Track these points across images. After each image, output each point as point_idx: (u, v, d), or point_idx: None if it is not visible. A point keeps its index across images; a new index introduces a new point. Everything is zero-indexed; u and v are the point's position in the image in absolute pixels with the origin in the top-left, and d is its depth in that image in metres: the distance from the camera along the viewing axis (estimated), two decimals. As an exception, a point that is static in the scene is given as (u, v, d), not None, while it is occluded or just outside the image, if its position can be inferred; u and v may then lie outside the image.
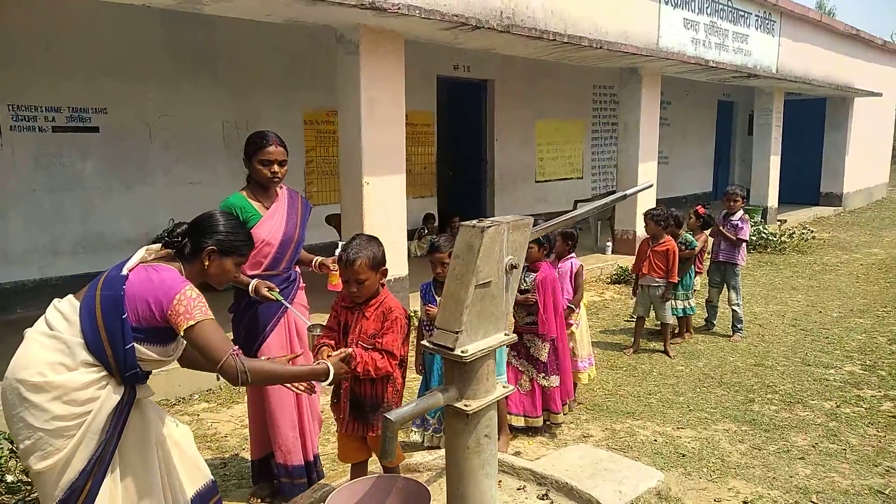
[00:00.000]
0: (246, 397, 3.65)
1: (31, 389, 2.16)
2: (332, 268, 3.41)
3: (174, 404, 4.82)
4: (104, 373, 2.24)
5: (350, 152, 6.16)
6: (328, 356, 2.68)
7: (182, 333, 2.25)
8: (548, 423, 4.36)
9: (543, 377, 4.25)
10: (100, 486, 2.24)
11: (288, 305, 3.27)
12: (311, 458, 3.43)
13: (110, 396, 2.23)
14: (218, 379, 5.06)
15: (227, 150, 7.94)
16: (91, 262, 6.84)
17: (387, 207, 6.30)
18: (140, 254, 2.37)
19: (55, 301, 2.33)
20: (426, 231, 9.84)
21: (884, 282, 8.89)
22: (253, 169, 3.27)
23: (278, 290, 3.22)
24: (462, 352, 2.40)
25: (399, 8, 5.44)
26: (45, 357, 2.19)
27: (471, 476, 2.53)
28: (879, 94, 16.65)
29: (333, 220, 7.23)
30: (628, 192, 3.35)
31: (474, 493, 2.54)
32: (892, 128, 20.69)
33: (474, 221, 2.50)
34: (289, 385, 2.69)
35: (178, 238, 2.41)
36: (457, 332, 2.42)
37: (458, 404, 2.47)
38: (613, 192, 10.92)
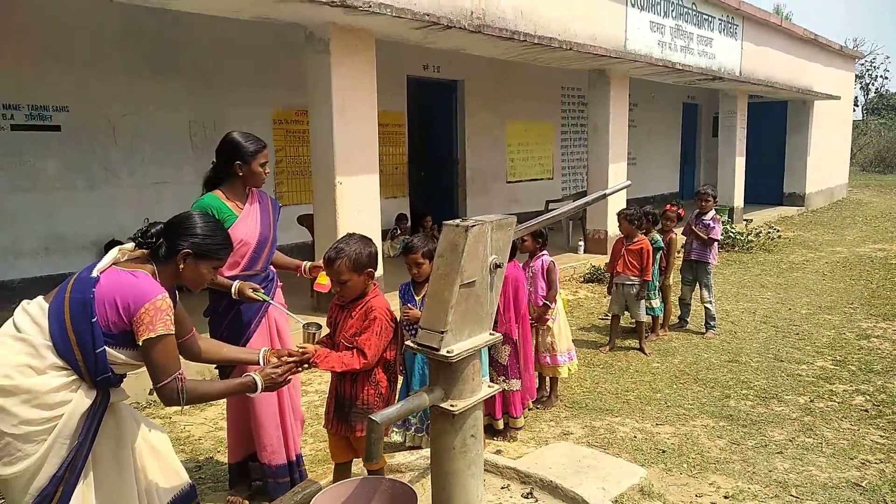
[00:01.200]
0: (224, 400, 3.55)
1: None
2: (323, 268, 3.36)
3: (145, 407, 4.67)
4: (74, 376, 2.15)
5: (322, 152, 6.07)
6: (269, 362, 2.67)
7: (140, 343, 2.17)
8: (507, 426, 4.25)
9: (503, 380, 4.15)
10: (72, 493, 2.15)
11: (274, 304, 3.23)
12: (294, 458, 3.37)
13: (82, 400, 2.14)
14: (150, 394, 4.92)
15: (195, 150, 7.78)
16: (54, 264, 6.66)
17: (360, 207, 6.22)
18: (112, 255, 2.27)
19: (24, 303, 2.23)
20: (399, 231, 9.77)
21: (849, 279, 9.09)
22: (250, 172, 3.19)
23: (262, 291, 3.16)
24: (448, 352, 2.36)
25: (370, 6, 5.37)
26: (13, 360, 2.09)
27: (457, 477, 2.48)
28: (838, 98, 17.09)
29: (305, 221, 7.11)
30: (608, 190, 3.34)
31: (460, 493, 2.49)
32: (849, 130, 21.27)
33: (458, 221, 2.46)
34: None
35: (153, 239, 2.31)
36: (442, 332, 2.37)
37: (444, 405, 2.42)
38: (584, 193, 11.02)
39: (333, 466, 3.04)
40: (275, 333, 3.30)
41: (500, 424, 4.19)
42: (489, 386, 2.60)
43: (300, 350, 2.73)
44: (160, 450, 2.41)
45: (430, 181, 11.40)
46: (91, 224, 6.97)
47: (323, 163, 6.08)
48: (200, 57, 7.70)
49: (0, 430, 2.05)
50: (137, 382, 4.57)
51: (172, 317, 2.21)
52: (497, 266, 2.53)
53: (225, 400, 4.66)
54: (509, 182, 12.29)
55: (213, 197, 3.17)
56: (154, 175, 7.43)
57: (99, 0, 5.00)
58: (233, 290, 3.10)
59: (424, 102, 11.00)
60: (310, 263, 3.50)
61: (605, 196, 3.31)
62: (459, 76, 10.90)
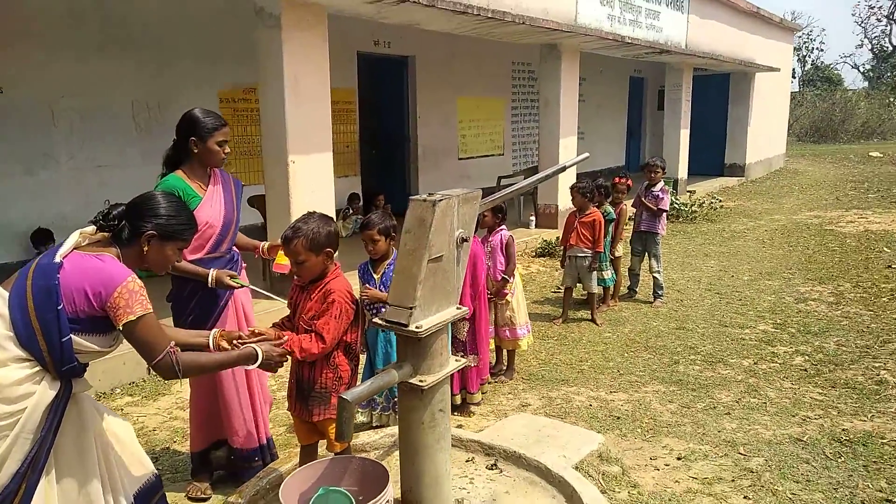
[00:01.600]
0: (188, 388, 3.52)
1: None
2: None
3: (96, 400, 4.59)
4: (38, 367, 2.08)
5: (274, 131, 5.97)
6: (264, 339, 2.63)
7: (121, 328, 2.13)
8: (465, 401, 4.34)
9: (462, 356, 4.19)
10: (35, 489, 2.09)
11: (257, 290, 3.23)
12: (265, 441, 3.37)
13: (46, 392, 2.08)
14: (149, 372, 4.86)
15: (138, 131, 7.56)
16: (-9, 252, 6.41)
17: (314, 187, 6.16)
18: (74, 238, 2.19)
19: None
20: (351, 211, 9.72)
21: (787, 246, 9.48)
22: (205, 149, 3.12)
23: (237, 277, 3.16)
24: (417, 327, 2.39)
25: (321, -20, 5.28)
26: None
27: (426, 451, 2.54)
28: (778, 69, 17.60)
29: (257, 202, 7.01)
30: (567, 162, 3.41)
31: (429, 468, 2.55)
32: (787, 101, 21.96)
33: (424, 195, 2.48)
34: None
35: (115, 221, 2.24)
36: (410, 308, 2.40)
37: (413, 380, 2.47)
38: (535, 168, 11.14)
39: (300, 448, 3.06)
40: (241, 317, 3.28)
41: (458, 399, 4.27)
42: (456, 360, 2.66)
43: (252, 332, 2.69)
44: (124, 440, 2.36)
45: (382, 159, 11.34)
46: (29, 210, 6.71)
47: (274, 142, 5.99)
48: (143, 35, 7.44)
49: None
50: (87, 375, 4.48)
51: (146, 295, 2.17)
52: (464, 240, 2.58)
53: (186, 387, 4.65)
54: (461, 159, 12.32)
55: (177, 178, 3.11)
56: (96, 158, 7.19)
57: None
58: (210, 278, 3.06)
59: (375, 79, 10.89)
60: (268, 243, 3.46)
61: (564, 169, 3.38)
62: (410, 52, 10.82)
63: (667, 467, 3.59)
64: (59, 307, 2.05)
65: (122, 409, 4.46)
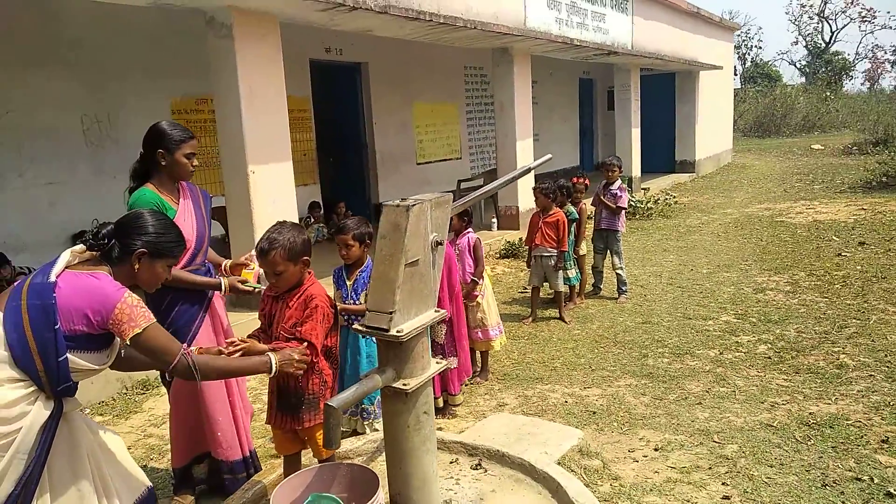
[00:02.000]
0: (160, 405, 3.43)
1: None
2: (248, 264, 3.28)
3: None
4: (33, 387, 2.05)
5: (231, 142, 5.87)
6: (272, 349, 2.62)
7: (129, 342, 2.14)
8: (447, 403, 4.35)
9: (441, 359, 4.22)
10: None
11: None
12: (248, 453, 3.30)
13: (40, 411, 2.05)
14: (136, 385, 4.72)
15: (89, 146, 7.35)
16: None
17: (275, 197, 6.08)
18: (65, 257, 2.17)
19: None
20: (312, 220, 9.63)
21: (741, 238, 9.74)
22: (174, 161, 3.08)
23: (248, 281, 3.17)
24: (398, 332, 2.38)
25: (275, -12, 5.23)
26: None
27: (413, 454, 2.53)
28: (720, 67, 18.12)
29: (217, 214, 6.86)
30: (531, 164, 3.45)
31: (417, 470, 2.54)
32: (731, 98, 22.62)
33: (397, 201, 2.48)
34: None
35: (105, 240, 2.23)
36: (390, 313, 2.39)
37: (397, 384, 2.45)
38: (493, 171, 11.21)
39: (283, 459, 3.01)
40: (220, 329, 3.21)
41: (441, 402, 4.26)
42: (437, 362, 2.65)
43: (231, 344, 2.66)
44: (117, 454, 2.35)
45: (340, 166, 11.26)
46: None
47: (233, 153, 5.89)
48: (88, 47, 7.23)
49: None
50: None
51: (146, 306, 2.18)
52: (438, 243, 2.58)
53: (158, 404, 4.54)
54: (419, 163, 12.33)
55: (151, 191, 3.04)
56: (46, 175, 6.96)
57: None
58: (223, 286, 3.11)
59: (329, 86, 10.82)
60: (230, 262, 3.40)
61: (530, 170, 3.42)
62: (363, 59, 10.79)
63: (645, 458, 3.64)
64: (57, 326, 2.03)
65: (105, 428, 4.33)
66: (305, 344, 2.73)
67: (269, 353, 2.50)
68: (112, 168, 7.40)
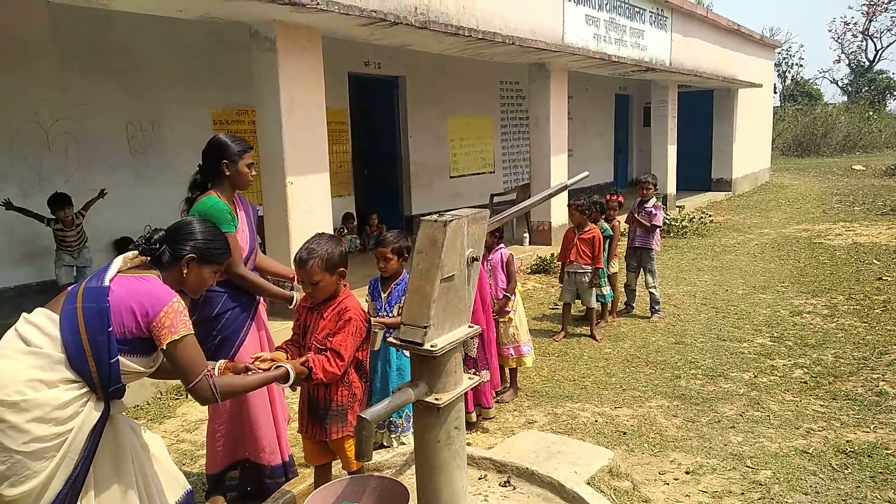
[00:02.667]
0: (193, 410, 3.50)
1: (9, 409, 2.00)
2: None
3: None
4: (86, 388, 2.12)
5: (271, 152, 5.99)
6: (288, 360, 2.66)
7: (164, 347, 2.19)
8: (480, 417, 4.35)
9: (475, 372, 4.24)
10: None
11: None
12: (287, 458, 3.36)
13: (91, 413, 2.12)
14: (186, 395, 4.83)
15: (133, 154, 7.55)
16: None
17: (311, 207, 6.17)
18: (118, 263, 2.27)
19: (25, 314, 2.18)
20: (345, 231, 9.73)
21: (778, 259, 9.58)
22: (237, 172, 3.20)
23: None
24: (432, 346, 2.40)
25: (318, 3, 5.32)
26: (22, 374, 2.04)
27: (443, 469, 2.54)
28: (760, 85, 17.90)
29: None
30: (569, 181, 3.46)
31: (446, 486, 2.55)
32: (770, 116, 22.29)
33: (435, 216, 2.51)
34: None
35: (156, 245, 2.33)
36: (425, 328, 2.42)
37: (429, 398, 2.47)
38: (527, 185, 11.21)
39: (314, 469, 3.04)
40: (264, 337, 3.31)
41: (473, 417, 4.27)
42: (469, 377, 2.66)
43: (259, 357, 2.71)
44: (158, 456, 2.41)
45: (375, 178, 11.37)
46: (23, 233, 6.67)
47: (272, 163, 6.00)
48: (134, 57, 7.45)
49: (9, 449, 1.99)
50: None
51: (188, 316, 2.24)
52: (474, 259, 2.60)
53: (191, 409, 4.62)
54: (452, 177, 12.38)
55: (218, 199, 3.15)
56: (91, 181, 7.14)
57: (29, 0, 4.77)
58: (294, 300, 3.18)
59: (366, 99, 10.95)
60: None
61: (567, 187, 3.43)
62: (400, 72, 10.90)
63: (676, 482, 3.60)
64: (110, 329, 2.11)
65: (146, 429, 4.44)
66: (331, 356, 2.77)
67: (286, 365, 2.55)
68: (153, 175, 7.59)
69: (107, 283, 2.16)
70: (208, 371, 2.26)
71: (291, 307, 3.19)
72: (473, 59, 9.47)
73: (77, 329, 2.09)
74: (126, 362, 2.17)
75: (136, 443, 2.32)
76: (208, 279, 2.44)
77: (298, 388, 2.92)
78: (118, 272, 2.23)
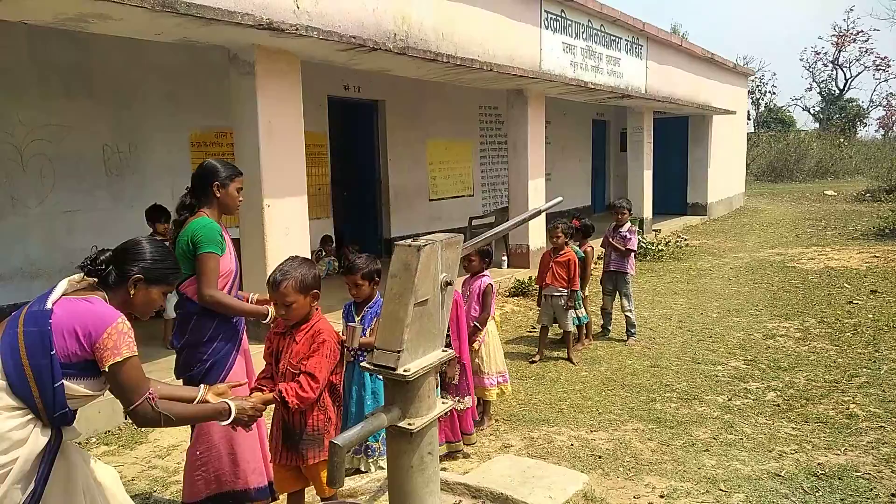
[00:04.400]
0: (165, 436, 3.45)
1: None
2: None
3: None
4: (30, 415, 2.06)
5: (249, 174, 5.93)
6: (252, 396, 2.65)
7: (106, 369, 2.12)
8: (456, 447, 4.28)
9: (458, 400, 4.22)
10: None
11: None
12: (272, 477, 3.30)
13: (37, 440, 2.05)
14: (127, 419, 4.73)
15: (109, 175, 7.50)
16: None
17: (289, 230, 6.17)
18: (63, 285, 2.21)
19: None
20: (324, 253, 9.70)
21: (752, 283, 9.71)
22: (227, 194, 3.28)
23: None
24: (405, 371, 2.40)
25: (297, 29, 5.38)
26: None
27: (415, 495, 2.52)
28: (734, 112, 18.26)
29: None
30: (542, 206, 3.51)
31: (419, 511, 2.53)
32: (744, 142, 22.73)
33: (409, 241, 2.53)
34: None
35: (102, 266, 2.29)
36: (398, 352, 2.42)
37: (402, 423, 2.47)
38: (505, 209, 11.30)
39: (286, 497, 3.01)
40: (250, 363, 3.33)
41: (460, 445, 4.25)
42: (443, 402, 2.66)
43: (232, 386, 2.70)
44: (110, 488, 2.33)
45: (354, 201, 11.39)
46: (-3, 255, 6.59)
47: (250, 185, 5.92)
48: (112, 79, 7.44)
49: None
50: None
51: (133, 337, 2.18)
52: (448, 284, 2.61)
53: (164, 436, 4.53)
54: (432, 200, 12.44)
55: (211, 220, 3.18)
56: (66, 202, 7.10)
57: (3, 22, 4.75)
58: (269, 314, 3.19)
59: (346, 122, 11.01)
60: (256, 295, 3.50)
61: (540, 212, 3.48)
62: (380, 96, 10.99)
63: (650, 506, 3.61)
64: (52, 353, 2.05)
65: (98, 459, 4.33)
66: (304, 379, 2.76)
67: (229, 402, 2.48)
68: (130, 197, 7.54)
69: (49, 305, 2.11)
70: (151, 394, 2.19)
71: (266, 321, 3.20)
72: (453, 83, 9.58)
73: (18, 354, 2.04)
74: (72, 386, 2.11)
75: (89, 476, 2.26)
76: (157, 300, 2.38)
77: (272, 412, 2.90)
78: (62, 294, 2.18)
